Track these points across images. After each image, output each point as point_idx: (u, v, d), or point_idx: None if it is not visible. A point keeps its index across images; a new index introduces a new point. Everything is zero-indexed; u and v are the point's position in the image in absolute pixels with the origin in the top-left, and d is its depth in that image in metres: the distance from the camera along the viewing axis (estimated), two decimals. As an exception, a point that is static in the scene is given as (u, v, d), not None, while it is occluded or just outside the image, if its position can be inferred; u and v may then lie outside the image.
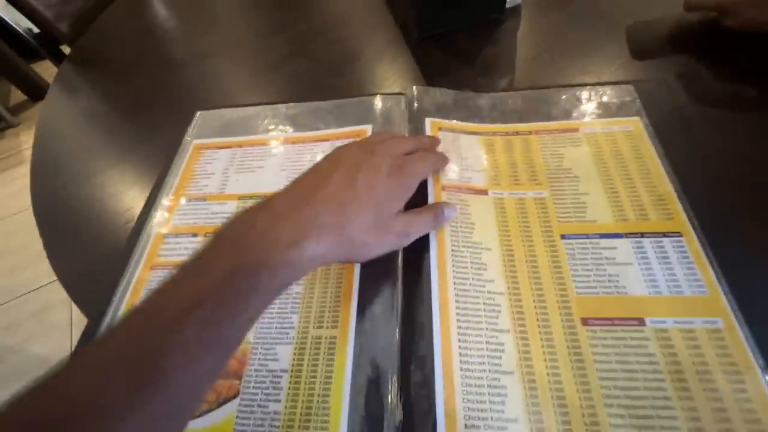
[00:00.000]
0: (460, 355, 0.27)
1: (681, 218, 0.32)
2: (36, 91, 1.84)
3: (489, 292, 0.30)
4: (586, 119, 0.39)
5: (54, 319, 1.22)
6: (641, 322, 0.28)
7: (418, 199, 0.35)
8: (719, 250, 0.30)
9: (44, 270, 1.33)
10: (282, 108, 0.46)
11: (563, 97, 0.41)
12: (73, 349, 0.32)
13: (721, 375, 0.25)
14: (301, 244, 0.23)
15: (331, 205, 0.25)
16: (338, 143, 0.41)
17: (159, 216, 0.39)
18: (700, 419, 0.24)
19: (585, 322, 0.28)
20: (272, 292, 0.23)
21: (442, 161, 0.36)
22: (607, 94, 0.40)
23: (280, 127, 0.44)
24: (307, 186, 0.27)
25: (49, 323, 1.21)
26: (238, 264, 0.22)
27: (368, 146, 0.30)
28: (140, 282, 0.35)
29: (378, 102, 0.43)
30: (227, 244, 0.23)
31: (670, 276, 0.29)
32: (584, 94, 0.41)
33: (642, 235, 0.31)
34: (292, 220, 0.24)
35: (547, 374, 0.27)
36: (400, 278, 0.31)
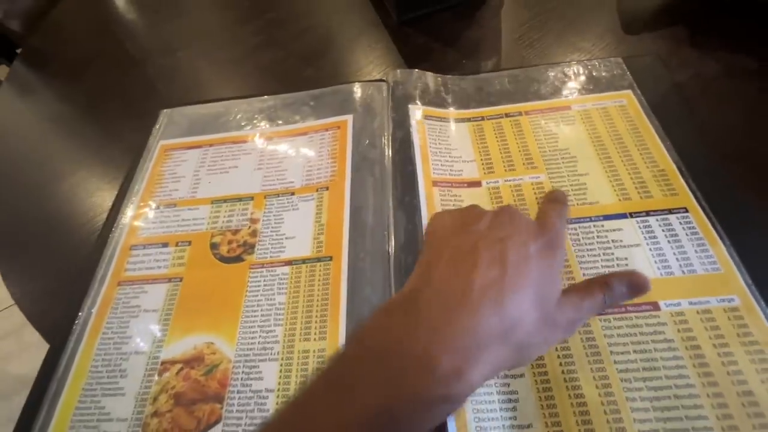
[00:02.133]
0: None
1: (685, 193, 0.30)
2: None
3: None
4: (577, 96, 0.37)
5: (32, 337, 1.15)
6: (656, 306, 0.26)
7: (405, 198, 0.32)
8: (728, 224, 0.28)
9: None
10: (255, 102, 0.42)
11: (551, 74, 0.39)
12: (30, 391, 0.28)
13: (744, 355, 0.24)
14: (466, 372, 0.17)
15: (489, 304, 0.19)
16: (317, 137, 0.38)
17: (125, 226, 0.35)
18: (726, 405, 0.22)
19: (596, 311, 0.26)
20: (424, 429, 0.18)
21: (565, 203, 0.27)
22: (597, 69, 0.39)
23: (254, 122, 0.41)
24: (453, 277, 0.20)
25: (26, 342, 1.14)
26: (389, 397, 0.17)
27: (499, 213, 0.23)
28: (106, 300, 0.31)
29: (357, 90, 0.40)
30: (373, 362, 0.18)
31: (680, 254, 0.28)
32: (573, 70, 0.39)
33: (647, 213, 0.30)
34: (450, 336, 0.18)
35: (562, 372, 0.24)
36: (392, 280, 0.29)
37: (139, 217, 0.36)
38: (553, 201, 0.25)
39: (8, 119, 0.52)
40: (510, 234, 0.21)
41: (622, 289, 0.22)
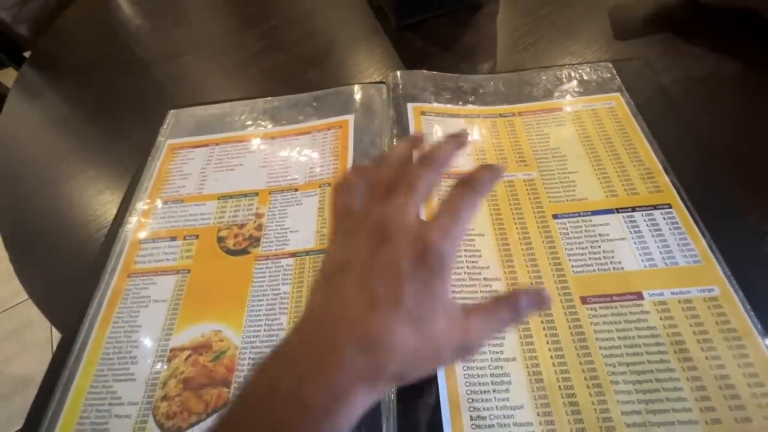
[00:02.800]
0: (461, 343, 0.27)
1: (669, 190, 0.32)
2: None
3: (485, 279, 0.29)
4: (568, 98, 0.39)
5: (33, 337, 1.16)
6: (639, 296, 0.27)
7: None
8: (709, 219, 0.30)
9: (18, 288, 1.27)
10: (259, 102, 0.44)
11: (544, 77, 0.41)
12: (43, 378, 0.30)
13: (722, 342, 0.25)
14: (336, 410, 0.17)
15: (354, 343, 0.18)
16: (319, 136, 0.40)
17: (134, 220, 0.37)
18: (705, 387, 0.24)
19: (584, 300, 0.28)
20: None
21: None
22: (587, 73, 0.40)
23: (258, 122, 0.42)
24: (323, 318, 0.20)
25: (27, 342, 1.15)
26: None
27: (374, 225, 0.21)
28: (116, 292, 0.33)
29: (358, 91, 0.42)
30: (253, 410, 0.18)
31: (663, 248, 0.29)
32: (564, 74, 0.41)
33: (633, 209, 0.31)
34: (318, 376, 0.18)
35: (551, 356, 0.26)
36: (393, 269, 0.30)
37: (148, 212, 0.37)
38: (465, 187, 0.22)
39: (19, 120, 0.53)
40: (380, 254, 0.20)
41: (527, 304, 0.21)
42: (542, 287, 0.23)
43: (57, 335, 1.17)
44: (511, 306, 0.20)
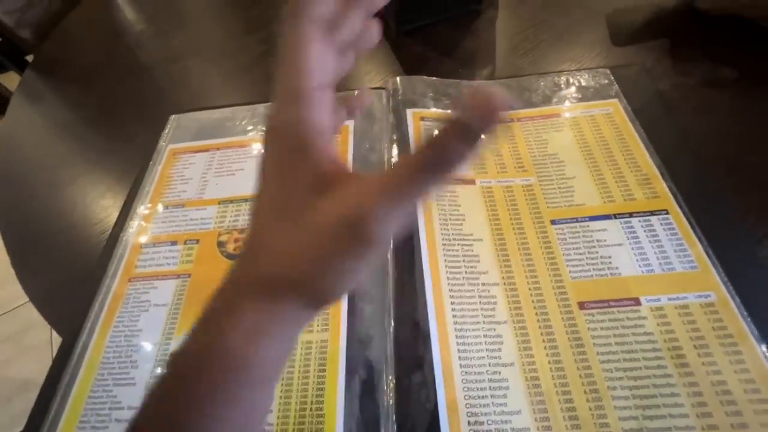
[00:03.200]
0: (459, 351, 0.27)
1: (667, 196, 0.32)
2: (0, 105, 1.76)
3: (483, 284, 0.30)
4: (566, 104, 0.39)
5: (33, 340, 1.16)
6: (637, 301, 0.28)
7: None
8: (706, 225, 0.30)
9: (18, 291, 1.27)
10: (260, 108, 0.44)
11: (542, 83, 0.41)
12: (44, 381, 0.30)
13: (718, 347, 0.25)
14: (260, 337, 0.14)
15: (243, 253, 0.16)
16: (320, 140, 0.40)
17: (135, 225, 0.37)
18: (701, 393, 0.24)
19: (582, 306, 0.28)
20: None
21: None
22: (585, 79, 0.41)
23: (260, 127, 0.42)
24: (248, 235, 0.16)
25: (27, 345, 1.15)
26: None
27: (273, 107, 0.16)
28: (117, 296, 0.33)
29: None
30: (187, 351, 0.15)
31: (660, 254, 0.29)
32: (562, 80, 0.41)
33: (630, 215, 0.31)
34: (216, 299, 0.15)
35: (549, 362, 0.26)
36: (390, 276, 0.30)
37: (149, 216, 0.37)
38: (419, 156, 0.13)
39: (22, 124, 0.53)
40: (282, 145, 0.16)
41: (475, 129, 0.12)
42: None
43: (57, 338, 1.17)
44: (449, 142, 0.12)
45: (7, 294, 1.22)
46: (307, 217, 0.14)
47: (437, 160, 0.13)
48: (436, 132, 0.13)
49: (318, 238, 0.14)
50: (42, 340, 1.16)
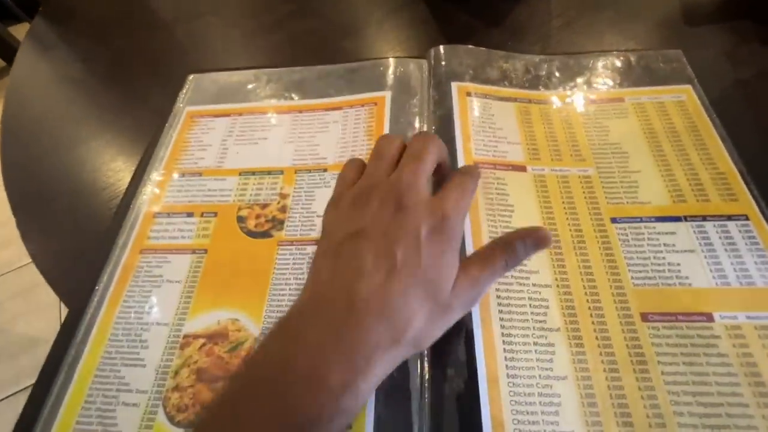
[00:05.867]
0: (506, 359, 0.24)
1: (747, 199, 0.28)
2: (11, 56, 1.72)
3: (534, 284, 0.26)
4: (631, 87, 0.35)
5: (41, 298, 1.16)
6: (709, 317, 0.24)
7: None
8: (792, 236, 0.26)
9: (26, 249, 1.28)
10: (286, 72, 0.40)
11: (603, 62, 0.37)
12: (48, 354, 0.28)
13: (805, 378, 0.22)
14: (357, 383, 0.17)
15: (375, 314, 0.18)
16: (352, 112, 0.36)
17: (148, 192, 0.34)
18: (784, 429, 0.21)
19: (645, 317, 0.25)
20: None
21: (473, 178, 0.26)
22: (654, 60, 0.36)
23: (285, 93, 0.39)
24: (336, 288, 0.19)
25: (36, 302, 1.16)
26: (279, 425, 0.16)
27: (388, 195, 0.21)
28: (127, 268, 0.30)
29: (397, 66, 0.38)
30: (265, 391, 0.17)
31: (739, 265, 0.26)
32: (628, 59, 0.36)
33: (704, 218, 0.28)
34: (336, 354, 0.17)
35: (606, 378, 0.23)
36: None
37: (164, 183, 0.34)
38: (463, 174, 0.25)
39: (31, 76, 0.50)
40: (399, 221, 0.20)
41: (525, 248, 0.22)
42: (539, 227, 0.23)
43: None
44: (507, 252, 0.22)
45: (16, 251, 1.22)
46: (447, 295, 0.21)
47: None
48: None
49: (450, 313, 0.21)
50: (50, 297, 1.16)
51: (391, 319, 0.18)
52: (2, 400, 1.02)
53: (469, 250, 0.27)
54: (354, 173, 0.25)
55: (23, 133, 0.43)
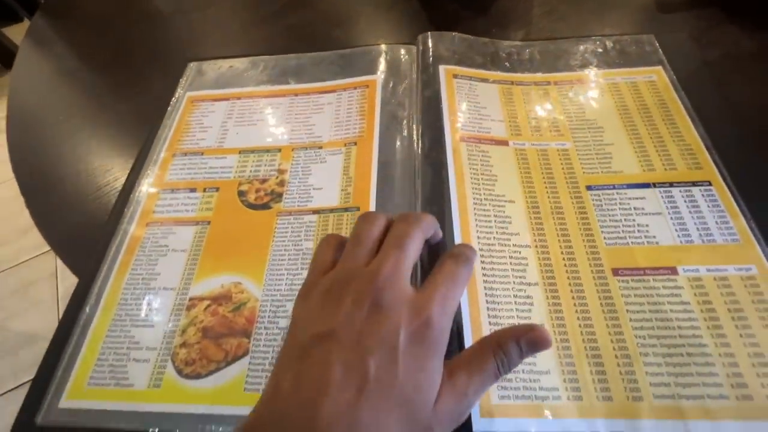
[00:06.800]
0: (488, 309, 0.26)
1: (710, 167, 0.31)
2: (8, 57, 1.72)
3: (515, 245, 0.29)
4: (607, 69, 0.37)
5: (39, 294, 1.17)
6: (674, 271, 0.27)
7: (432, 153, 0.32)
8: (750, 198, 0.29)
9: (27, 245, 1.28)
10: (282, 59, 0.42)
11: (582, 47, 0.39)
12: (60, 320, 0.29)
13: (757, 320, 0.24)
14: None
15: None
16: (345, 94, 0.38)
17: (152, 171, 0.36)
18: (737, 364, 0.23)
19: (616, 272, 0.27)
20: None
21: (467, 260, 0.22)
22: (627, 45, 0.38)
23: (282, 78, 0.41)
24: (297, 404, 0.16)
25: (33, 299, 1.17)
26: None
27: (364, 290, 0.18)
28: (135, 239, 0.32)
29: (387, 51, 0.41)
30: None
31: (701, 224, 0.28)
32: (604, 44, 0.39)
33: (671, 184, 0.30)
34: None
35: (579, 325, 0.25)
36: (418, 231, 0.29)
37: (167, 162, 0.36)
38: (455, 260, 0.20)
39: (33, 69, 0.52)
40: (374, 324, 0.17)
41: (519, 350, 0.18)
42: (537, 325, 0.19)
43: (63, 294, 1.19)
44: (498, 355, 0.18)
45: (14, 249, 1.22)
46: (426, 415, 0.17)
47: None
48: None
49: None
50: (48, 295, 1.17)
51: None
52: (1, 395, 1.02)
53: (456, 220, 0.29)
54: (329, 255, 0.22)
55: (29, 123, 0.45)
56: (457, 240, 0.28)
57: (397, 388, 0.16)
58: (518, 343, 0.18)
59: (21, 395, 0.26)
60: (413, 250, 0.20)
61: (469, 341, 0.25)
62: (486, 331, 0.25)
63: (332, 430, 0.15)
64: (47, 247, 1.20)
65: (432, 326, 0.17)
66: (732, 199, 0.29)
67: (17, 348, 1.11)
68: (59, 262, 1.17)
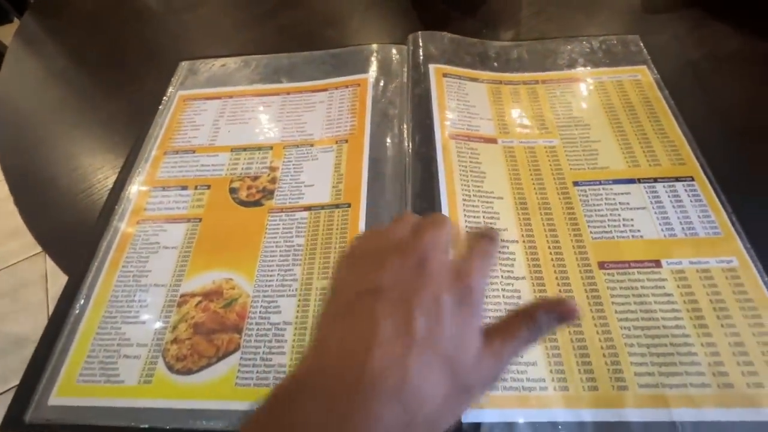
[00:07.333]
0: (476, 300, 0.26)
1: (693, 163, 0.31)
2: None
3: (503, 240, 0.29)
4: (593, 68, 0.38)
5: (29, 298, 1.15)
6: (657, 263, 0.27)
7: (422, 149, 0.33)
8: (731, 193, 0.30)
9: (16, 248, 1.26)
10: (274, 58, 0.43)
11: (569, 47, 0.40)
12: (50, 317, 0.29)
13: (738, 311, 0.25)
14: None
15: (390, 392, 0.15)
16: (337, 93, 0.39)
17: (144, 169, 0.36)
18: (719, 353, 0.24)
19: (601, 266, 0.28)
20: None
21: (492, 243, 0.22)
22: (613, 45, 0.39)
23: (274, 77, 0.41)
24: (345, 356, 0.17)
25: (23, 302, 1.15)
26: None
27: (409, 254, 0.19)
28: (125, 237, 0.32)
29: (378, 51, 0.41)
30: None
31: (684, 218, 0.29)
32: (590, 44, 0.40)
33: (655, 180, 0.31)
34: (350, 421, 0.15)
35: (566, 317, 0.26)
36: (409, 227, 0.30)
37: (158, 161, 0.36)
38: (482, 237, 0.21)
39: (23, 70, 0.51)
40: (419, 286, 0.17)
41: (548, 320, 0.19)
42: (566, 298, 0.20)
43: (53, 296, 1.17)
44: (530, 324, 0.19)
45: (3, 252, 1.21)
46: (468, 374, 0.18)
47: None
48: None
49: (469, 393, 0.18)
50: (38, 298, 1.15)
51: (408, 399, 0.15)
52: (-10, 399, 1.01)
53: (444, 207, 0.30)
54: (371, 233, 0.22)
55: (18, 122, 0.45)
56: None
57: (442, 346, 0.17)
58: (548, 314, 0.19)
59: (9, 399, 0.26)
60: (449, 228, 0.21)
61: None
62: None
63: (380, 382, 0.15)
64: (37, 250, 1.20)
65: (474, 291, 0.18)
66: (714, 194, 0.30)
67: (6, 352, 1.09)
68: (49, 265, 1.16)
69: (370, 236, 0.22)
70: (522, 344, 0.19)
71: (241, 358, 0.26)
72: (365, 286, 0.18)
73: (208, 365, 0.26)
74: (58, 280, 0.29)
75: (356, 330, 0.17)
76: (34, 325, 1.14)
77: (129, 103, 0.44)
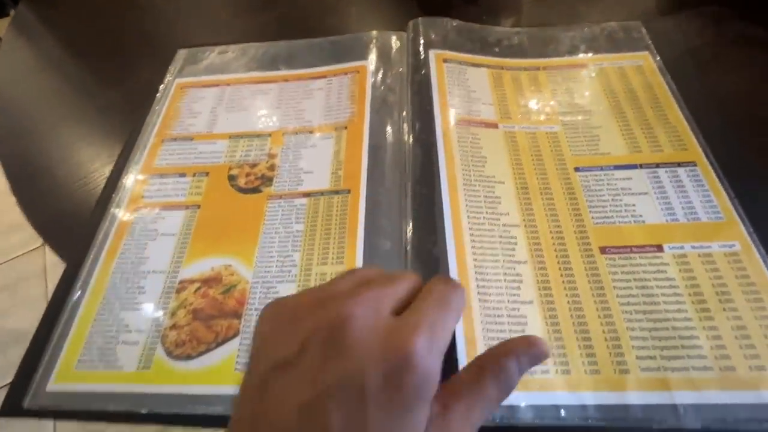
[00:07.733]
0: (478, 286, 0.26)
1: (695, 149, 0.31)
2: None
3: (504, 225, 0.29)
4: (595, 55, 0.38)
5: (28, 292, 1.15)
6: (659, 248, 0.27)
7: (422, 136, 0.33)
8: (733, 178, 0.29)
9: (15, 243, 1.26)
10: (273, 45, 0.42)
11: (570, 33, 0.39)
12: (48, 304, 0.29)
13: (740, 295, 0.25)
14: None
15: None
16: (336, 80, 0.38)
17: (142, 156, 0.36)
18: (721, 337, 0.24)
19: (603, 250, 0.27)
20: None
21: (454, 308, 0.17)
22: (615, 31, 0.39)
23: (273, 64, 0.41)
24: None
25: (22, 296, 1.15)
26: None
27: (330, 314, 0.15)
28: (123, 224, 0.32)
29: (378, 37, 0.40)
30: None
31: (686, 203, 0.29)
32: (592, 30, 0.39)
33: (657, 165, 0.31)
34: None
35: (568, 302, 0.26)
36: (409, 213, 0.30)
37: (156, 148, 0.36)
38: (444, 283, 0.16)
39: (18, 57, 0.51)
40: (337, 357, 0.13)
41: (521, 369, 0.16)
42: (534, 337, 0.17)
43: (53, 290, 1.17)
44: (499, 377, 0.15)
45: (2, 246, 1.20)
46: None
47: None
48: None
49: None
50: (36, 292, 1.15)
51: None
52: (-11, 393, 1.01)
53: (446, 200, 0.30)
54: (315, 287, 0.18)
55: (15, 109, 0.44)
56: (447, 223, 0.28)
57: None
58: (518, 360, 0.16)
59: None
60: (402, 288, 0.16)
61: (460, 328, 0.25)
62: (477, 316, 0.25)
63: None
64: (36, 244, 1.20)
65: (412, 368, 0.13)
66: (716, 179, 0.29)
67: (6, 346, 1.09)
68: (49, 259, 1.16)
69: (311, 289, 0.17)
70: (493, 406, 0.15)
71: (240, 343, 0.26)
72: (281, 354, 0.14)
73: (207, 351, 0.26)
74: (58, 274, 0.29)
75: (265, 420, 0.14)
76: (33, 320, 1.13)
77: (126, 91, 0.43)
